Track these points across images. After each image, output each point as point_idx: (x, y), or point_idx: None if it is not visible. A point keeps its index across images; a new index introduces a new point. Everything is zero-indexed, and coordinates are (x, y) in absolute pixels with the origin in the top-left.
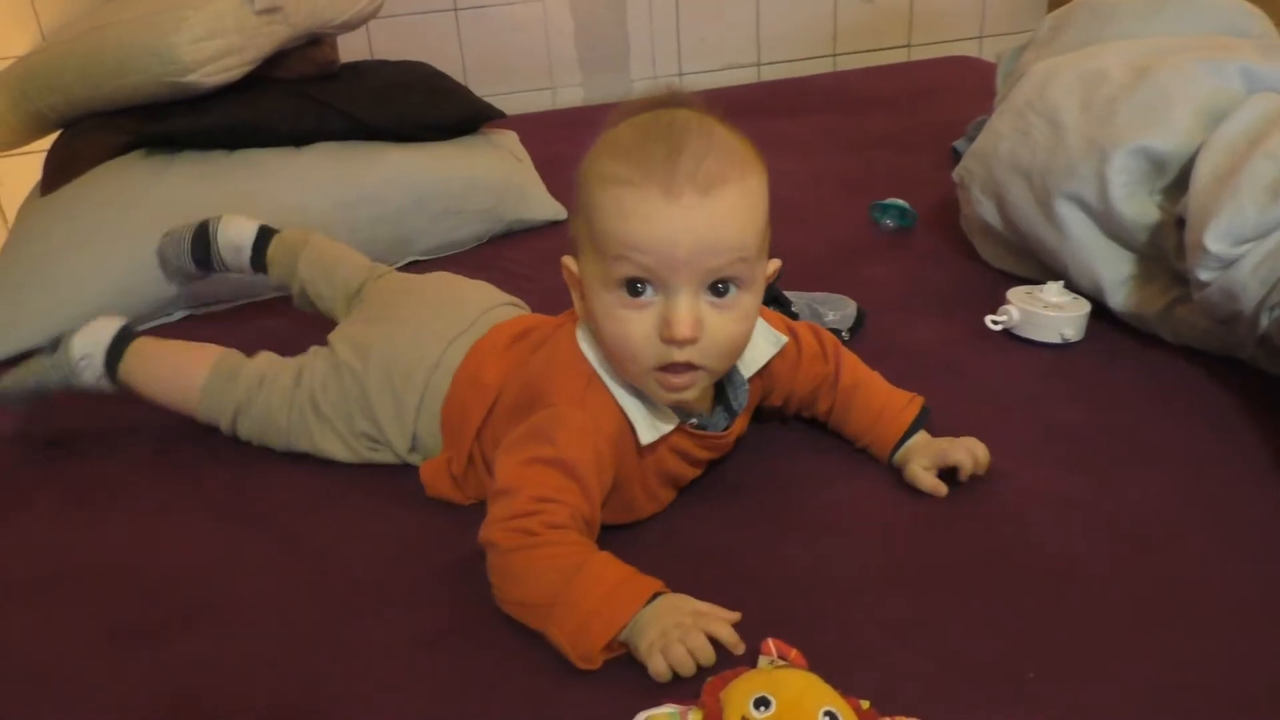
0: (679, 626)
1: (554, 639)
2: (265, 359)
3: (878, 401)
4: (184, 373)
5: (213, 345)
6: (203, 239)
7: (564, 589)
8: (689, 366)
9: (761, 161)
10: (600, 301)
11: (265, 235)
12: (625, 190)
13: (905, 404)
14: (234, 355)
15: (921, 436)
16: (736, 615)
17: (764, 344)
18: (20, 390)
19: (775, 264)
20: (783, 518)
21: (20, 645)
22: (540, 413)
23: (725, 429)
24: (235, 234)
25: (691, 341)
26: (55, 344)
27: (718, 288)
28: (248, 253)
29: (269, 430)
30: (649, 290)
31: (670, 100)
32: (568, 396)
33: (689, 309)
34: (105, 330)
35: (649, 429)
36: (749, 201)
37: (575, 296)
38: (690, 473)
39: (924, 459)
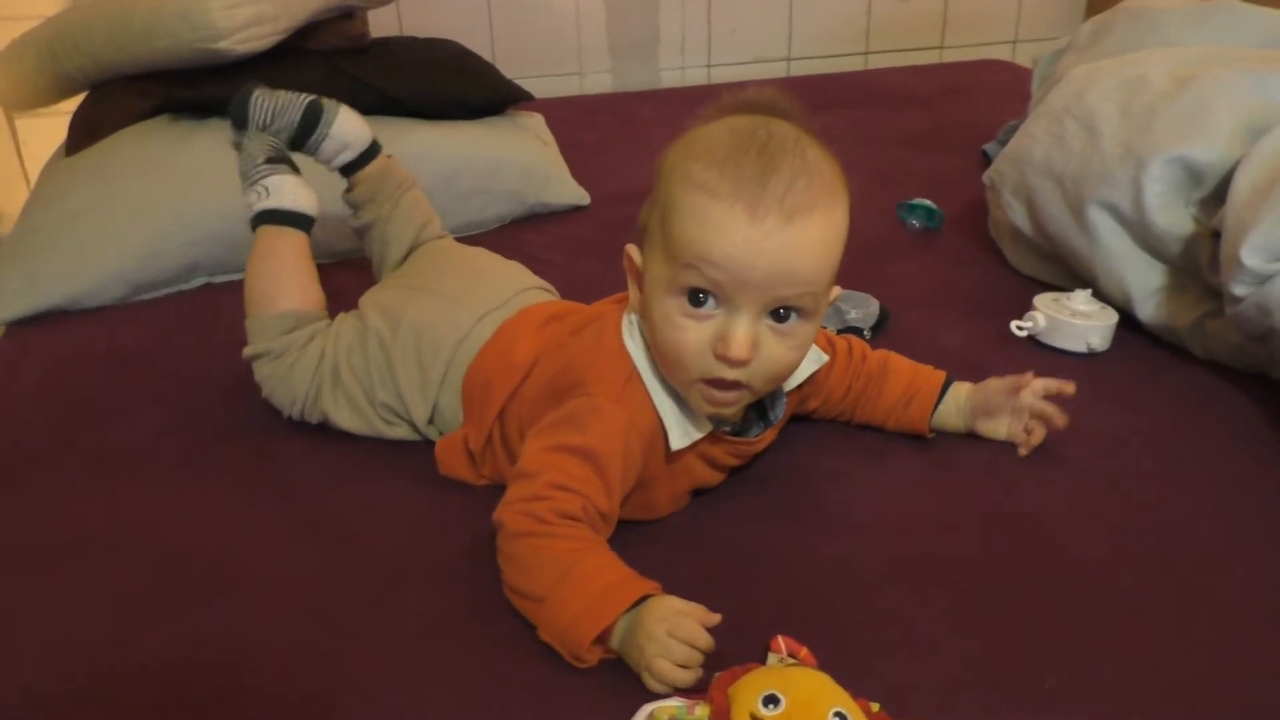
0: (651, 639)
1: (545, 636)
2: (323, 327)
3: (909, 369)
4: (277, 290)
5: (317, 294)
6: (312, 117)
7: (558, 585)
8: (735, 384)
9: (848, 190)
10: (660, 303)
11: (373, 150)
12: (709, 200)
13: (933, 369)
14: (312, 314)
15: (964, 388)
16: (716, 617)
17: (807, 362)
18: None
19: (836, 291)
20: (801, 513)
21: (37, 612)
22: (576, 400)
23: (757, 436)
24: (350, 132)
25: (744, 364)
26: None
27: (779, 313)
28: (350, 156)
29: (282, 392)
30: (711, 303)
31: (773, 108)
32: (606, 388)
33: (747, 331)
34: (297, 201)
35: (681, 434)
36: (831, 234)
37: (632, 286)
38: (714, 478)
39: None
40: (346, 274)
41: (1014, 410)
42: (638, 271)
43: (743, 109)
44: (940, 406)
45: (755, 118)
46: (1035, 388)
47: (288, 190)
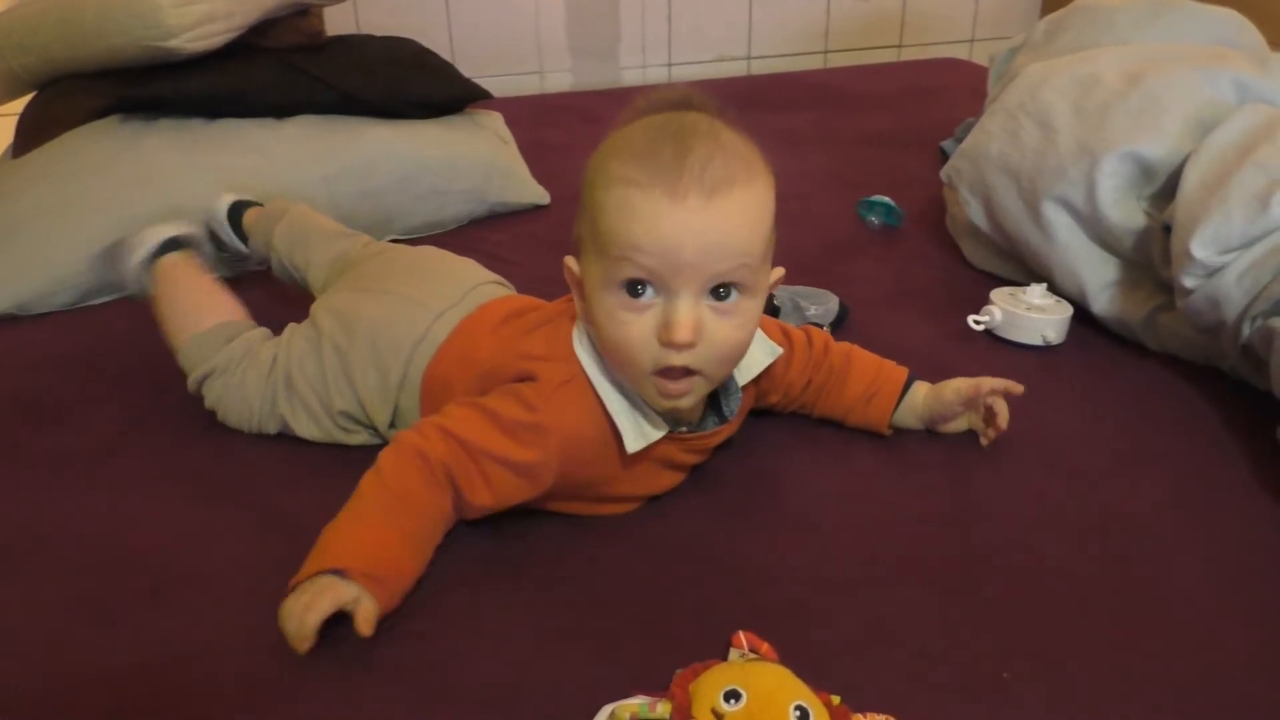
0: (289, 614)
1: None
2: (260, 334)
3: (873, 365)
4: (195, 312)
5: (236, 305)
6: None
7: (328, 528)
8: (686, 372)
9: (769, 168)
10: (601, 303)
11: (240, 207)
12: (630, 191)
13: (896, 366)
14: (242, 323)
15: (923, 390)
16: (302, 648)
17: (760, 353)
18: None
19: (779, 272)
20: (761, 511)
21: None
22: (510, 385)
23: (712, 430)
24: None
25: (690, 345)
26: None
27: (719, 292)
28: (226, 227)
29: (238, 408)
30: (649, 292)
31: (684, 103)
32: (539, 388)
33: (689, 312)
34: (162, 230)
35: (636, 436)
36: (755, 206)
37: (576, 298)
38: (674, 479)
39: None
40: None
41: (972, 408)
42: (578, 280)
43: (657, 109)
44: (899, 407)
45: (669, 114)
46: (984, 389)
47: (148, 234)
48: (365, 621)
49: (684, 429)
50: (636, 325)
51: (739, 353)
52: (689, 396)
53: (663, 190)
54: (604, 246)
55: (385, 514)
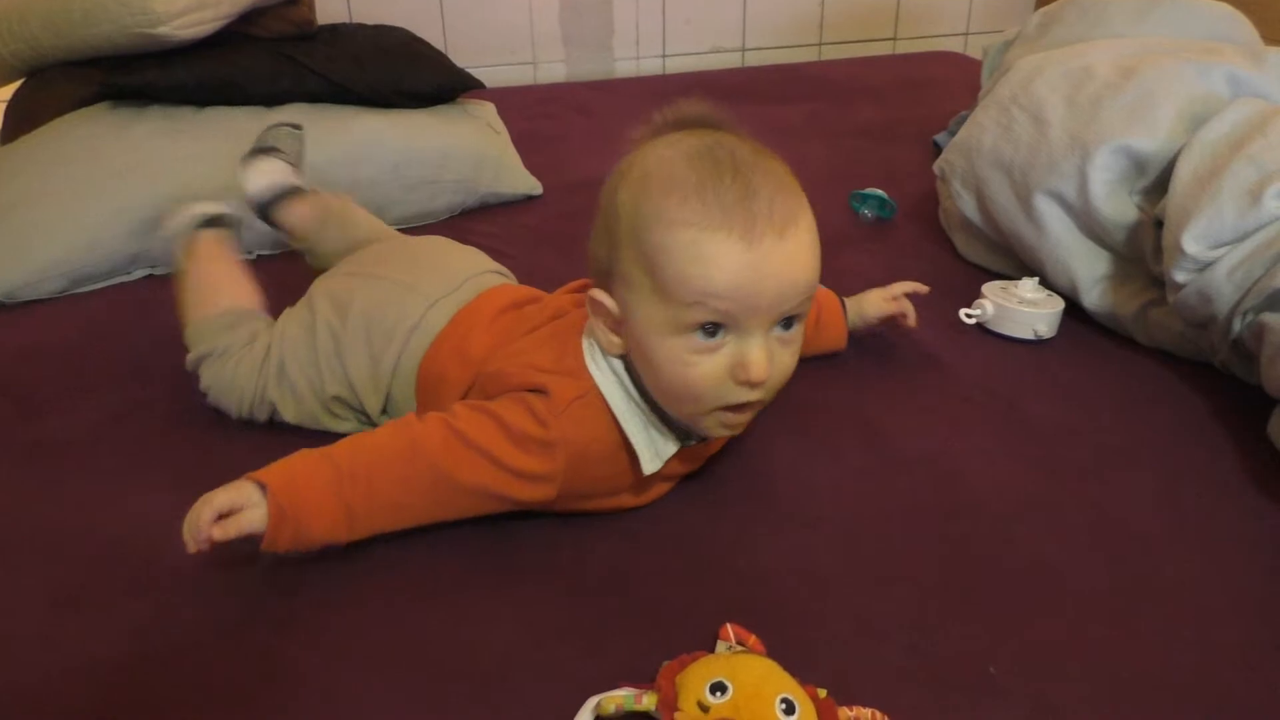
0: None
1: None
2: (266, 325)
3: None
4: (211, 293)
5: (252, 292)
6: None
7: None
8: (751, 404)
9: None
10: (663, 345)
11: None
12: (699, 234)
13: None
14: (252, 312)
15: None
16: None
17: None
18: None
19: None
20: (750, 506)
21: None
22: (537, 396)
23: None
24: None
25: (764, 383)
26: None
27: (786, 323)
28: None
29: (228, 394)
30: (721, 332)
31: (709, 120)
32: (552, 404)
33: (763, 350)
34: (205, 206)
35: (652, 458)
36: (814, 236)
37: (603, 330)
38: (665, 486)
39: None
40: (295, 265)
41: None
42: (613, 316)
43: (679, 126)
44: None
45: (702, 137)
46: (897, 292)
47: (188, 209)
48: (233, 524)
49: (692, 442)
50: (707, 366)
51: (791, 374)
52: (746, 423)
53: (739, 235)
54: (672, 291)
55: (336, 473)
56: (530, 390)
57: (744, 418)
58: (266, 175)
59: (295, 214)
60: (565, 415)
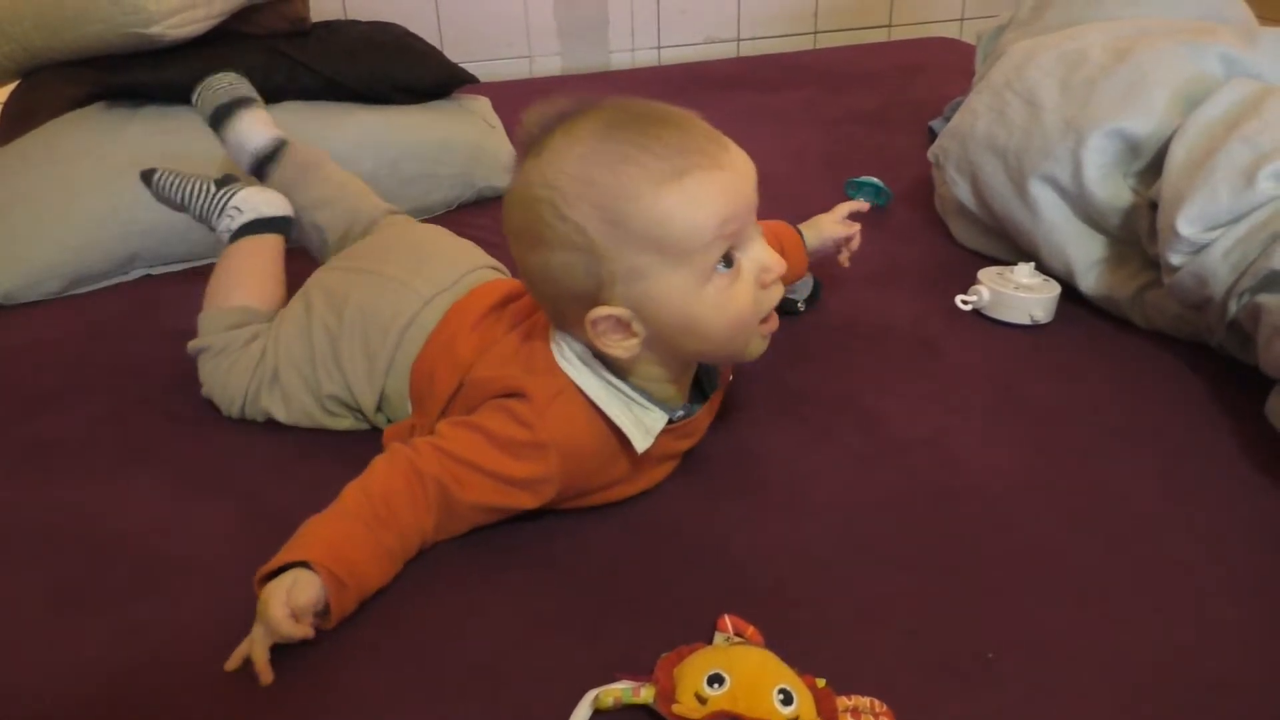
0: (252, 636)
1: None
2: (268, 327)
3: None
4: (235, 288)
5: (273, 296)
6: (222, 116)
7: (307, 525)
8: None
9: None
10: (699, 302)
11: (278, 149)
12: (682, 182)
13: (776, 222)
14: (264, 314)
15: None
16: (303, 635)
17: None
18: (167, 197)
19: None
20: (746, 493)
21: None
22: (516, 400)
23: (703, 409)
24: (249, 135)
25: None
26: (227, 179)
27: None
28: (248, 159)
29: (220, 392)
30: (734, 256)
31: (566, 107)
32: (535, 406)
33: (766, 245)
34: (272, 206)
35: (643, 436)
36: None
37: (614, 343)
38: (665, 470)
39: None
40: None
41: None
42: (625, 325)
43: (542, 135)
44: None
45: (580, 122)
46: (844, 213)
47: (258, 200)
48: (305, 621)
49: (680, 413)
50: (741, 290)
51: None
52: None
53: (707, 163)
54: (688, 247)
55: (365, 524)
56: (509, 395)
57: (774, 321)
58: (262, 127)
59: (287, 164)
60: (548, 414)
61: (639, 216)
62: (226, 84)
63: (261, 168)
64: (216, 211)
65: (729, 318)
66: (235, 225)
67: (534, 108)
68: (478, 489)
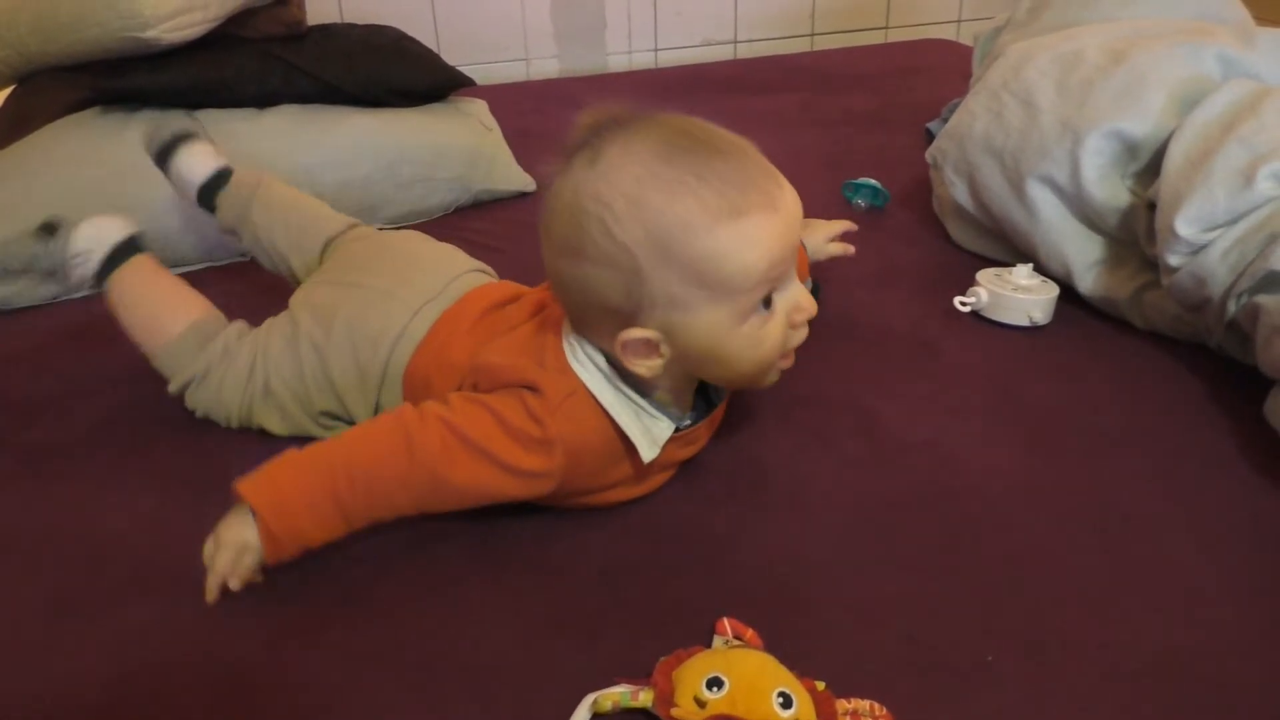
0: (210, 558)
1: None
2: (236, 330)
3: None
4: (164, 316)
5: (202, 300)
6: (166, 154)
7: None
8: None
9: None
10: (734, 339)
11: (221, 177)
12: (739, 223)
13: None
14: (214, 320)
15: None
16: (242, 579)
17: None
18: (11, 262)
19: None
20: (745, 496)
21: None
22: (530, 394)
23: (708, 419)
24: (189, 168)
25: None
26: (51, 228)
27: None
28: (193, 192)
29: (216, 411)
30: (774, 298)
31: (623, 116)
32: (546, 402)
33: (802, 288)
34: (112, 231)
35: (650, 446)
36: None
37: (639, 363)
38: (663, 477)
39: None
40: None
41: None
42: (655, 348)
43: (595, 131)
44: None
45: (639, 134)
46: (837, 229)
47: (92, 234)
48: (242, 571)
49: (687, 422)
50: (774, 329)
51: None
52: None
53: (763, 205)
54: (735, 287)
55: (332, 493)
56: (524, 386)
57: (793, 358)
58: (202, 158)
59: (232, 192)
60: (559, 413)
61: (691, 249)
62: (167, 123)
63: (209, 198)
64: (62, 271)
65: (759, 355)
66: (91, 270)
67: (589, 110)
68: (479, 473)
